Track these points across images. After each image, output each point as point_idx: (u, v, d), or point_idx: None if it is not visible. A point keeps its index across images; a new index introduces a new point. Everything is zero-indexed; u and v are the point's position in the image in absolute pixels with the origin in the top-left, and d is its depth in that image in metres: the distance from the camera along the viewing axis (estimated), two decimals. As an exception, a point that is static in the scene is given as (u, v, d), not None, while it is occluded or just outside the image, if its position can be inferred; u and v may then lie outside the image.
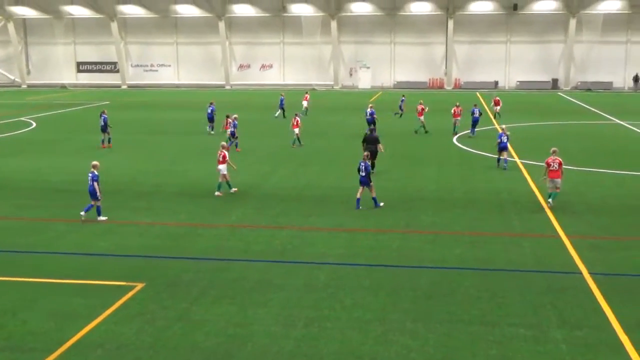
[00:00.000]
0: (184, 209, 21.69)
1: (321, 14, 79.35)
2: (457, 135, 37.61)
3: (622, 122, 44.19)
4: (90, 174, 20.17)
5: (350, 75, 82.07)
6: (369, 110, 39.81)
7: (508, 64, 78.86)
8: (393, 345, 11.80)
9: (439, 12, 77.53)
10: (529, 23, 77.11)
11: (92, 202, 20.28)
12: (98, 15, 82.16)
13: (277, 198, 23.20)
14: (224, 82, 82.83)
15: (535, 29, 77.08)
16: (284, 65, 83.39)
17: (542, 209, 21.39)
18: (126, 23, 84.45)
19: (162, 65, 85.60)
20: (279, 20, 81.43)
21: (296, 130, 34.38)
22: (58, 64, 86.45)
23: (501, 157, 28.25)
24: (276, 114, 47.40)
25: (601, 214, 20.93)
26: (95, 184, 20.07)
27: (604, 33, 75.83)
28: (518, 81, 78.06)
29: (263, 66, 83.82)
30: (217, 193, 23.60)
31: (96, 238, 18.50)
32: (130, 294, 14.22)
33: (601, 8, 75.03)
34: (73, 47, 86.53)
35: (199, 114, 47.02)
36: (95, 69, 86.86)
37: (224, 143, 24.75)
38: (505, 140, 27.99)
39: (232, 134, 33.52)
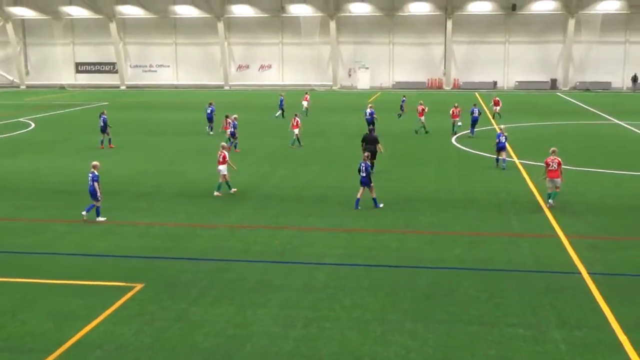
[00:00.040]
0: (183, 210, 21.69)
1: (320, 14, 79.37)
2: (456, 136, 37.63)
3: (620, 122, 44.22)
4: (90, 174, 20.16)
5: (349, 75, 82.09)
6: (368, 110, 39.81)
7: (507, 64, 78.91)
8: (392, 346, 11.80)
9: (438, 13, 77.57)
10: (528, 23, 77.15)
11: (93, 202, 20.28)
12: (97, 16, 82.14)
13: (277, 198, 23.20)
14: (222, 83, 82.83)
15: (534, 29, 77.13)
16: (282, 66, 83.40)
17: (541, 209, 21.40)
18: (125, 23, 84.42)
19: (161, 65, 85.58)
20: (278, 20, 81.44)
21: (296, 130, 34.37)
22: (57, 65, 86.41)
23: (500, 157, 28.27)
24: (277, 114, 47.41)
25: (600, 214, 20.94)
26: (96, 184, 20.06)
27: (603, 33, 75.87)
28: (517, 81, 78.09)
29: (262, 67, 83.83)
30: (216, 193, 23.60)
31: (95, 239, 18.50)
32: (129, 294, 14.22)
33: (600, 8, 75.09)
34: (72, 47, 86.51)
35: (197, 115, 47.03)
36: (94, 69, 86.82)
37: (224, 143, 24.76)
38: (503, 141, 28.02)
39: (232, 134, 33.53)
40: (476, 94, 67.53)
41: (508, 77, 79.17)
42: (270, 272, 15.70)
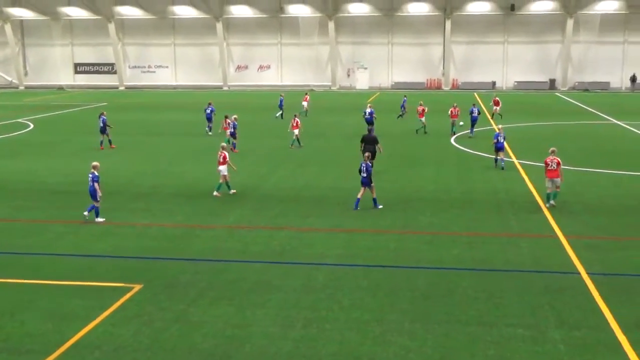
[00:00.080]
0: (182, 210, 21.68)
1: (318, 14, 79.36)
2: (455, 136, 37.64)
3: (619, 122, 44.23)
4: (90, 175, 20.15)
5: (348, 76, 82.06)
6: (368, 110, 39.82)
7: (505, 64, 78.92)
8: (391, 346, 11.80)
9: (437, 13, 77.56)
10: (527, 23, 77.17)
11: (93, 203, 20.28)
12: (95, 17, 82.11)
13: (276, 199, 23.20)
14: (221, 83, 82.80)
15: (533, 29, 77.15)
16: (281, 66, 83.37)
17: (540, 209, 21.41)
18: (124, 24, 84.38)
19: (160, 66, 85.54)
20: (277, 21, 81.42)
21: (296, 131, 34.38)
22: (55, 66, 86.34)
23: (498, 158, 28.30)
24: (277, 115, 47.40)
25: (599, 214, 20.95)
26: (96, 184, 20.05)
27: (601, 33, 75.90)
28: (515, 81, 78.10)
29: (261, 67, 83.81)
30: (215, 193, 23.60)
31: (94, 239, 18.49)
32: (128, 295, 14.21)
33: (598, 8, 75.09)
34: (70, 48, 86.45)
35: (196, 115, 47.02)
36: (92, 70, 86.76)
37: (224, 144, 24.78)
38: (502, 140, 28.05)
39: (232, 135, 33.56)
40: (475, 94, 67.53)
41: (507, 77, 79.19)
42: (269, 272, 15.70)
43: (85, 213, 20.21)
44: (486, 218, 20.46)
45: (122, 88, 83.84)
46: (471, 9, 77.03)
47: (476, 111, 37.60)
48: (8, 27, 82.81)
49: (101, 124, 34.51)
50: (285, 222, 20.15)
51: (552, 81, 77.39)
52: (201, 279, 15.20)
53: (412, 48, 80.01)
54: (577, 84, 76.78)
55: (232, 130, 33.64)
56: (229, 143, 32.13)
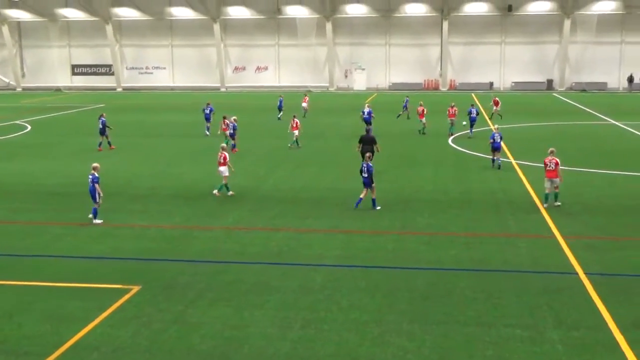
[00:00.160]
0: (180, 212, 21.67)
1: (316, 15, 79.36)
2: (453, 136, 37.68)
3: (616, 123, 44.28)
4: (90, 176, 20.15)
5: (346, 76, 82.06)
6: (366, 109, 39.86)
7: (503, 65, 78.97)
8: (390, 347, 11.80)
9: (434, 14, 77.58)
10: (524, 24, 77.22)
11: (98, 204, 20.30)
12: (93, 18, 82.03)
13: (274, 200, 23.20)
14: (219, 85, 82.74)
15: (530, 30, 77.20)
16: (279, 67, 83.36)
17: (538, 209, 21.42)
18: (121, 25, 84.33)
19: (157, 67, 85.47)
20: (274, 22, 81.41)
21: (295, 132, 34.42)
22: (53, 67, 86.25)
23: (495, 158, 28.35)
24: (279, 116, 47.34)
25: (596, 214, 20.98)
26: (97, 185, 20.05)
27: (599, 34, 75.98)
28: (513, 82, 78.15)
29: (258, 68, 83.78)
30: (215, 192, 23.64)
31: (92, 241, 18.47)
32: (126, 296, 14.20)
33: (595, 9, 75.18)
34: (68, 49, 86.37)
35: (194, 116, 47.03)
36: (90, 71, 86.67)
37: (224, 144, 24.82)
38: (498, 140, 28.09)
39: (232, 136, 33.60)
40: (472, 94, 67.56)
41: (504, 77, 79.23)
42: (268, 273, 15.70)
43: (90, 216, 20.26)
44: (484, 218, 20.47)
45: (119, 89, 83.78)
46: (468, 9, 77.08)
47: (474, 112, 37.65)
48: (5, 29, 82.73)
49: (100, 126, 34.54)
50: (284, 223, 20.15)
51: (550, 81, 77.46)
52: (199, 280, 15.19)
53: (410, 49, 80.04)
54: (574, 84, 76.85)
55: (232, 131, 33.68)
56: (228, 144, 32.13)
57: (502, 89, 77.89)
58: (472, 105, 39.37)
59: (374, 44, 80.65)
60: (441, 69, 79.29)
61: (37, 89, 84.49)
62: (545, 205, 21.53)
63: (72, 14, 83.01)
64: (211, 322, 12.90)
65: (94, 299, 14.12)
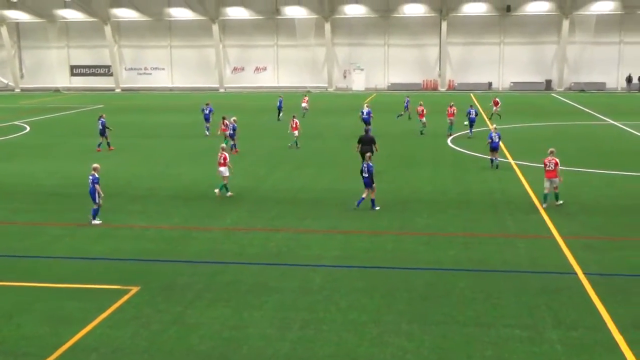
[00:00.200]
0: (179, 212, 21.67)
1: (315, 16, 79.38)
2: (452, 137, 37.70)
3: (615, 123, 44.31)
4: (90, 177, 20.15)
5: (344, 77, 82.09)
6: (365, 110, 39.89)
7: (501, 65, 79.01)
8: (388, 347, 11.80)
9: (433, 14, 77.63)
10: (522, 24, 77.28)
11: (97, 205, 20.30)
12: (91, 19, 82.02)
13: (273, 201, 23.19)
14: (217, 85, 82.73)
15: (529, 30, 77.26)
16: (278, 68, 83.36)
17: (537, 209, 21.43)
18: (120, 26, 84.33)
19: (156, 68, 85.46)
20: (273, 22, 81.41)
21: (295, 132, 34.45)
22: (52, 68, 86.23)
23: (493, 158, 28.38)
24: (279, 116, 47.31)
25: (595, 214, 20.99)
26: (97, 186, 20.06)
27: (597, 34, 76.04)
28: (511, 82, 78.19)
29: (257, 69, 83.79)
30: (216, 190, 23.66)
31: (91, 242, 18.47)
32: (125, 297, 14.19)
33: (594, 9, 75.24)
34: (67, 50, 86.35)
35: (192, 117, 47.05)
36: (89, 72, 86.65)
37: (224, 145, 24.84)
38: (496, 140, 28.11)
39: (231, 136, 33.63)
40: (471, 95, 67.61)
41: (503, 78, 79.27)
42: (266, 274, 15.69)
43: (89, 217, 20.31)
44: (483, 219, 20.48)
45: (118, 90, 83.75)
46: (467, 10, 77.13)
47: (473, 112, 37.66)
48: (4, 30, 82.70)
49: (100, 127, 34.56)
50: (282, 224, 20.15)
51: (548, 82, 77.50)
52: (198, 281, 15.19)
53: (408, 49, 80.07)
54: (573, 84, 76.91)
55: (232, 132, 33.71)
56: (227, 144, 32.14)
57: (500, 89, 77.92)
58: (471, 106, 39.40)
59: (373, 45, 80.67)
60: (440, 69, 79.34)
61: (35, 89, 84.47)
62: (544, 205, 21.55)
63: (70, 14, 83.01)
64: (210, 323, 12.89)
65: (93, 299, 14.12)
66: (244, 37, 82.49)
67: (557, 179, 21.37)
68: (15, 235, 19.22)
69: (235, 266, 16.30)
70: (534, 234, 18.84)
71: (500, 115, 46.16)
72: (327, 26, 78.68)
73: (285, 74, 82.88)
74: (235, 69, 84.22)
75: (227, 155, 23.66)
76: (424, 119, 39.34)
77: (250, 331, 12.52)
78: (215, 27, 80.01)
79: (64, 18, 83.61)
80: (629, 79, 75.14)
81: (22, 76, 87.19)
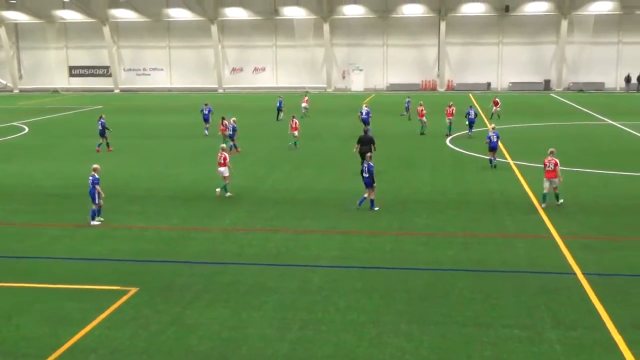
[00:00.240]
0: (177, 213, 21.66)
1: (313, 16, 79.37)
2: (451, 137, 37.71)
3: (614, 123, 44.33)
4: (90, 177, 20.16)
5: (343, 77, 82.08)
6: (364, 110, 39.92)
7: (500, 65, 79.01)
8: (387, 348, 11.80)
9: (431, 15, 77.64)
10: (521, 24, 77.30)
11: (97, 205, 20.30)
12: (90, 20, 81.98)
13: (272, 201, 23.19)
14: (216, 86, 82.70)
15: (527, 30, 77.28)
16: (276, 68, 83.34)
17: (535, 209, 21.44)
18: (118, 27, 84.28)
19: (155, 69, 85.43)
20: (272, 23, 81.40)
21: (295, 132, 34.47)
22: (50, 69, 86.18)
23: (492, 157, 28.40)
24: (282, 117, 47.28)
25: (594, 214, 20.99)
26: (97, 187, 20.06)
27: (596, 34, 76.07)
28: (510, 82, 78.20)
29: (256, 69, 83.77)
30: (217, 190, 23.65)
31: (89, 243, 18.46)
32: (124, 298, 14.18)
33: (592, 9, 75.27)
34: (65, 51, 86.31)
35: (191, 118, 47.04)
36: (87, 73, 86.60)
37: (224, 145, 24.85)
38: (495, 140, 28.12)
39: (231, 137, 33.65)
40: (470, 95, 67.65)
41: (502, 78, 79.27)
42: (265, 274, 15.69)
43: (101, 219, 20.35)
44: (482, 219, 20.48)
45: (117, 91, 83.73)
46: (466, 10, 77.15)
47: (473, 113, 37.65)
48: (2, 31, 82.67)
49: (100, 127, 34.59)
50: (281, 224, 20.15)
51: (547, 82, 77.52)
52: (197, 282, 15.18)
53: (407, 49, 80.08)
54: (571, 84, 76.94)
55: (231, 132, 33.74)
56: (227, 144, 32.15)
57: (499, 89, 77.93)
58: (471, 106, 39.41)
59: (372, 45, 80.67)
60: (439, 69, 79.36)
61: (34, 90, 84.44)
62: (543, 205, 21.55)
63: (69, 15, 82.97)
64: (209, 324, 12.89)
65: (92, 300, 14.11)
66: (243, 38, 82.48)
67: (556, 179, 21.39)
68: (14, 236, 19.21)
69: (234, 267, 16.30)
70: (533, 234, 18.84)
71: (499, 116, 46.30)
72: (326, 27, 78.68)
73: (284, 75, 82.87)
74: (234, 69, 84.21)
75: (227, 155, 23.67)
76: (424, 119, 39.39)
77: (249, 332, 12.51)
78: (214, 28, 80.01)
79: (63, 19, 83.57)
80: (627, 79, 75.19)
81: (20, 77, 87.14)
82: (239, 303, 13.88)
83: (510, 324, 12.71)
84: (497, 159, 28.65)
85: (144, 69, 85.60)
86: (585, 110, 53.38)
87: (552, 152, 21.66)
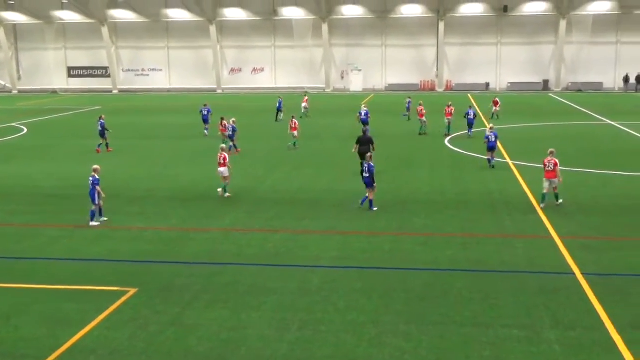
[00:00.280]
0: (177, 214, 21.65)
1: (312, 17, 79.37)
2: (450, 137, 37.73)
3: (612, 123, 44.36)
4: (91, 178, 20.16)
5: (342, 78, 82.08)
6: (363, 110, 39.95)
7: (499, 65, 79.03)
8: (387, 348, 11.80)
9: (430, 15, 77.66)
10: (520, 25, 77.31)
11: (97, 206, 20.29)
12: (89, 20, 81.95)
13: (271, 201, 23.19)
14: (215, 86, 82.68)
15: (526, 30, 77.30)
16: (275, 69, 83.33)
17: (534, 209, 21.45)
18: (117, 27, 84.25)
19: (154, 69, 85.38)
20: (270, 23, 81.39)
21: (295, 132, 34.48)
22: (49, 69, 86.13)
23: (491, 157, 28.42)
24: (281, 117, 47.25)
25: (592, 214, 21.00)
26: (98, 187, 20.06)
27: (594, 34, 76.09)
28: (509, 82, 78.21)
29: (254, 70, 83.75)
30: (219, 190, 23.66)
31: (88, 243, 18.45)
32: (123, 299, 14.18)
33: (591, 9, 75.30)
34: (64, 52, 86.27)
35: (190, 118, 47.03)
36: (86, 73, 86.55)
37: (223, 145, 24.87)
38: (493, 140, 28.14)
39: (231, 138, 33.67)
40: (469, 95, 67.67)
41: (500, 78, 79.28)
42: (265, 275, 15.69)
43: (104, 218, 20.35)
44: (481, 219, 20.49)
45: (115, 91, 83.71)
46: (464, 10, 77.16)
47: (472, 113, 37.66)
48: (1, 32, 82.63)
49: (100, 128, 34.60)
50: (281, 225, 20.15)
51: (546, 82, 77.54)
52: (196, 282, 15.18)
53: (406, 50, 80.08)
54: (570, 84, 76.97)
55: (231, 133, 33.76)
56: (227, 145, 32.16)
57: (498, 89, 77.94)
58: (470, 107, 39.43)
59: (370, 45, 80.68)
60: (437, 69, 79.38)
61: (33, 91, 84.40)
62: (541, 205, 21.56)
63: (68, 16, 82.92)
64: (208, 324, 12.89)
65: (91, 301, 14.11)
66: (242, 38, 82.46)
67: (556, 179, 21.40)
68: (13, 237, 19.20)
69: (233, 267, 16.30)
70: (532, 234, 18.85)
71: (498, 116, 46.33)
72: (325, 27, 78.68)
73: (282, 75, 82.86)
74: (232, 70, 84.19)
75: (226, 155, 23.68)
76: (424, 119, 39.42)
77: (248, 332, 12.51)
78: (212, 28, 80.00)
79: (61, 19, 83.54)
80: (626, 79, 75.22)
81: (19, 78, 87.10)
82: (238, 304, 13.88)
83: (509, 324, 12.72)
84: (495, 158, 28.67)
85: (143, 70, 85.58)
86: (584, 110, 53.40)
87: (552, 153, 21.68)
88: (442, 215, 20.96)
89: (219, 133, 35.42)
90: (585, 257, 16.60)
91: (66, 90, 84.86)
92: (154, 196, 24.36)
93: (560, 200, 21.66)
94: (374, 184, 21.60)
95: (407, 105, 48.01)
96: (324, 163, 30.66)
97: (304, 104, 50.20)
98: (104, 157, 32.44)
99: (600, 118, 47.40)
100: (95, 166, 20.73)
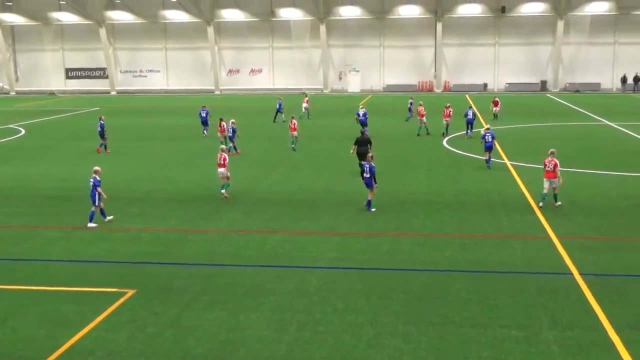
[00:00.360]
0: (175, 215, 21.63)
1: (310, 18, 79.41)
2: (448, 137, 37.75)
3: (610, 123, 44.41)
4: (91, 179, 20.15)
5: (340, 79, 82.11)
6: (361, 111, 39.97)
7: (497, 66, 79.12)
8: (385, 349, 11.80)
9: (428, 16, 77.72)
10: (517, 25, 77.41)
11: (96, 208, 20.28)
12: (86, 22, 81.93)
13: (269, 202, 23.18)
14: (213, 87, 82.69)
15: (524, 31, 77.39)
16: (273, 70, 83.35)
17: (533, 210, 21.46)
18: (115, 29, 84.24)
19: (151, 70, 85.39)
20: (268, 24, 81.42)
21: (294, 133, 34.49)
22: (47, 71, 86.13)
23: (488, 158, 28.44)
24: (283, 118, 47.16)
25: (591, 214, 21.02)
26: (99, 189, 20.06)
27: (592, 34, 76.22)
28: (507, 83, 78.31)
29: (252, 71, 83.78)
30: (223, 191, 23.61)
31: (87, 245, 18.43)
32: (121, 300, 14.17)
33: (588, 10, 75.43)
34: (61, 53, 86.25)
35: (188, 119, 47.01)
36: (84, 75, 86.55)
37: (223, 146, 24.87)
38: (490, 140, 28.15)
39: (231, 139, 33.68)
40: (467, 96, 67.71)
41: (498, 79, 79.40)
42: (263, 276, 15.68)
43: (110, 217, 20.40)
44: (479, 219, 20.50)
45: (113, 93, 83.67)
46: (462, 11, 77.25)
47: (471, 114, 37.70)
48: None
49: (99, 128, 34.61)
50: (279, 226, 20.14)
51: (544, 82, 77.64)
52: (194, 284, 15.17)
53: (404, 50, 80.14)
54: (568, 85, 77.07)
55: (231, 134, 33.77)
56: (226, 145, 32.17)
57: (496, 90, 78.01)
58: (470, 107, 39.47)
59: (368, 46, 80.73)
60: (435, 70, 79.43)
61: (31, 92, 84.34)
62: (540, 205, 21.58)
63: (65, 17, 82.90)
64: (206, 326, 12.88)
65: (89, 302, 14.09)
66: (239, 39, 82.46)
67: (556, 180, 21.40)
68: (11, 239, 19.18)
69: (231, 268, 16.29)
70: (530, 234, 18.86)
71: (496, 116, 46.40)
72: (323, 28, 78.72)
73: (280, 76, 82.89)
74: (230, 71, 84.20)
75: (226, 156, 23.69)
76: (424, 119, 39.46)
77: (246, 333, 12.51)
78: (210, 29, 79.99)
79: (59, 21, 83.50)
80: (623, 80, 75.33)
81: (17, 79, 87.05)
82: (236, 305, 13.88)
83: (507, 324, 12.73)
84: (492, 159, 28.66)
85: (141, 71, 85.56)
86: (582, 110, 53.46)
87: (552, 153, 21.69)
88: (441, 216, 20.97)
89: (218, 134, 35.41)
90: (584, 258, 16.61)
91: (64, 92, 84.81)
92: (152, 197, 24.35)
93: (559, 202, 21.68)
94: (375, 184, 21.59)
95: (409, 106, 47.95)
96: (322, 164, 30.66)
97: (304, 105, 50.20)
98: (102, 159, 32.38)
99: (598, 118, 47.45)
100: (96, 167, 20.73)
